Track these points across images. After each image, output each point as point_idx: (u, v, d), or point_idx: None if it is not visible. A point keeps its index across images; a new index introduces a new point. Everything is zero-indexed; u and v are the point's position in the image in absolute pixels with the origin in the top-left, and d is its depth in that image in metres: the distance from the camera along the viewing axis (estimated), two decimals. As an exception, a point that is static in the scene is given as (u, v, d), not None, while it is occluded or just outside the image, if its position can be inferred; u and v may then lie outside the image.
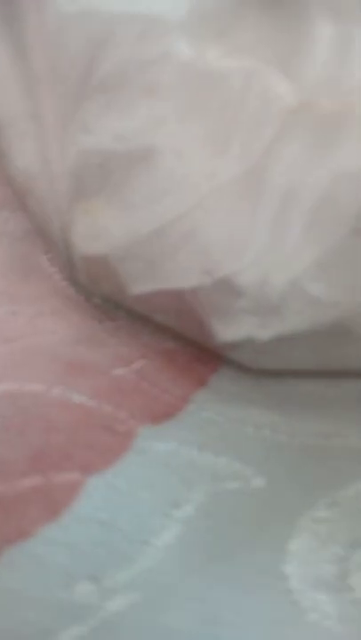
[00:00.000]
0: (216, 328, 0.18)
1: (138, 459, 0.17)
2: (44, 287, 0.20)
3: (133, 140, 0.18)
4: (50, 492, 0.16)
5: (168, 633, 0.14)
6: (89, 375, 0.18)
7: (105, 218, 0.19)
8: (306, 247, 0.17)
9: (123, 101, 0.18)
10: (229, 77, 0.16)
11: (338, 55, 0.16)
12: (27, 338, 0.19)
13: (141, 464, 0.17)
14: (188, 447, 0.17)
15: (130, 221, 0.19)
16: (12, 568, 0.15)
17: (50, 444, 0.16)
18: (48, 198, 0.20)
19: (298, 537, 0.16)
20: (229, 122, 0.17)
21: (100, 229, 0.19)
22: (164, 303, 0.19)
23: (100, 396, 0.18)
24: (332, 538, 0.16)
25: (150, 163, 0.18)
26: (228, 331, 0.18)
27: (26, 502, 0.16)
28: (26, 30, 0.18)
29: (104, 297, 0.21)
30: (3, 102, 0.20)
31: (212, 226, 0.18)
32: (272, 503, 0.17)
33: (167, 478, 0.17)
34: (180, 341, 0.19)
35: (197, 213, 0.18)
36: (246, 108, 0.16)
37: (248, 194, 0.17)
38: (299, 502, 0.17)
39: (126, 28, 0.17)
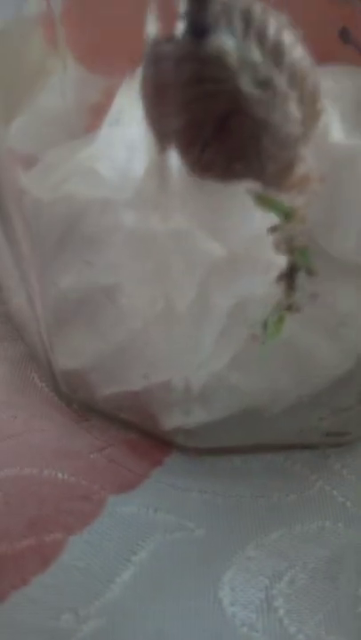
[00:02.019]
0: (161, 419, 0.22)
1: (107, 520, 0.21)
2: (36, 397, 0.24)
3: (97, 281, 0.21)
4: (42, 550, 0.20)
5: None
6: (70, 459, 0.22)
7: (78, 341, 0.22)
8: (223, 349, 0.20)
9: (90, 254, 0.21)
10: (166, 237, 0.19)
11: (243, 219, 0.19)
12: (24, 435, 0.22)
13: (109, 524, 0.20)
14: (145, 509, 0.21)
15: (97, 343, 0.22)
16: (15, 607, 0.19)
17: (42, 513, 0.20)
18: (34, 330, 0.23)
19: (231, 571, 0.20)
20: (166, 268, 0.19)
21: (75, 350, 0.22)
22: (125, 402, 0.22)
23: (79, 474, 0.21)
24: (260, 571, 0.20)
25: (110, 297, 0.21)
26: (167, 420, 0.22)
27: (25, 558, 0.20)
28: (8, 213, 0.21)
29: (80, 402, 0.24)
30: (1, 259, 0.24)
31: (153, 342, 0.21)
32: (210, 547, 0.20)
33: (128, 533, 0.20)
34: (140, 433, 0.23)
35: (143, 334, 0.21)
36: (179, 258, 0.19)
37: (179, 317, 0.20)
38: (232, 546, 0.20)
39: (92, 207, 0.20)
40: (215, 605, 0.19)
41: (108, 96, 0.20)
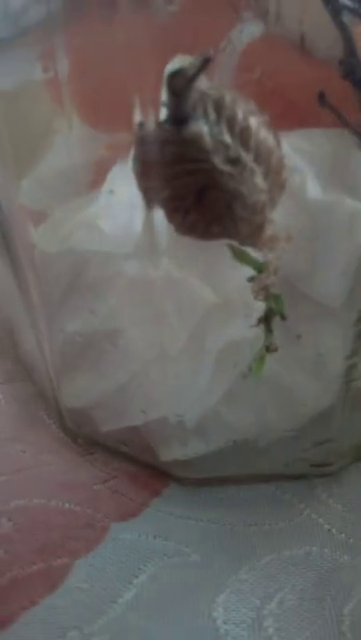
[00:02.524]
0: (159, 451, 0.23)
1: (110, 545, 0.22)
2: (44, 433, 0.25)
3: (100, 326, 0.22)
4: (50, 574, 0.21)
5: None
6: (76, 490, 0.23)
7: (82, 381, 0.23)
8: (215, 387, 0.22)
9: (93, 301, 0.22)
10: (164, 286, 0.21)
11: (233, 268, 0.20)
12: (32, 469, 0.24)
13: (112, 549, 0.22)
14: (145, 536, 0.22)
15: (99, 383, 0.23)
16: (25, 626, 0.20)
17: (50, 540, 0.22)
18: (43, 371, 0.24)
19: (225, 593, 0.21)
20: (164, 314, 0.21)
21: (80, 390, 0.24)
22: (126, 436, 0.24)
23: (84, 504, 0.23)
24: (252, 593, 0.21)
25: (112, 341, 0.22)
26: (165, 453, 0.23)
27: (34, 581, 0.21)
28: (21, 264, 0.23)
29: (85, 437, 0.25)
30: (10, 307, 0.25)
31: (150, 381, 0.22)
32: (205, 571, 0.22)
33: (130, 557, 0.22)
34: (140, 465, 0.24)
35: (143, 375, 0.22)
36: (176, 304, 0.21)
37: (174, 359, 0.21)
38: (226, 569, 0.22)
39: (95, 259, 0.22)
40: (210, 624, 0.20)
41: (112, 152, 0.22)
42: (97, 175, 0.22)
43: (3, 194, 0.22)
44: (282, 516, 0.23)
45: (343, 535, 0.23)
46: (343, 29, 0.19)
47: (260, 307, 0.20)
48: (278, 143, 0.18)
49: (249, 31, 0.21)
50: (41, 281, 0.23)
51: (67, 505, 0.23)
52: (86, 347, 0.23)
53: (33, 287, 0.23)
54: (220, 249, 0.20)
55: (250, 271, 0.20)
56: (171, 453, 0.23)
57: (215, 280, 0.21)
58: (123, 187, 0.21)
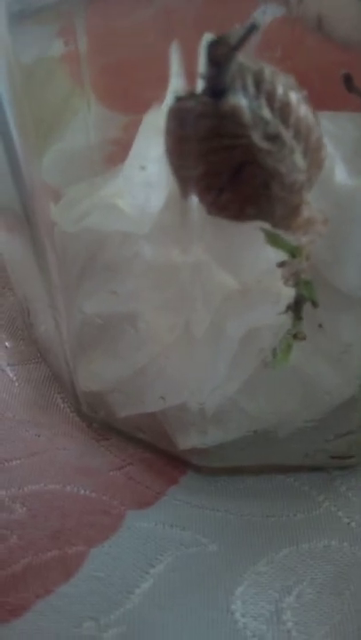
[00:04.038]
0: (177, 439, 0.23)
1: (126, 534, 0.21)
2: (59, 416, 0.25)
3: (120, 308, 0.22)
4: (65, 561, 0.21)
5: None
6: (91, 476, 0.23)
7: (99, 364, 0.23)
8: (235, 374, 0.21)
9: (112, 282, 0.22)
10: (182, 268, 0.20)
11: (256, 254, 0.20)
12: (47, 452, 0.23)
13: (128, 537, 0.21)
14: (162, 525, 0.22)
15: (117, 366, 0.23)
16: (41, 615, 0.20)
17: (65, 526, 0.21)
18: (60, 353, 0.24)
19: (242, 585, 0.21)
20: (183, 297, 0.21)
21: (96, 373, 0.23)
22: (143, 422, 0.23)
23: (100, 490, 0.23)
24: (270, 585, 0.21)
25: (131, 323, 0.22)
26: (183, 440, 0.23)
27: (49, 569, 0.20)
28: (42, 242, 0.22)
29: (100, 422, 0.25)
30: (29, 287, 0.25)
31: (170, 366, 0.22)
32: (223, 562, 0.21)
33: (146, 546, 0.21)
34: (157, 454, 0.24)
35: (162, 359, 0.22)
36: (195, 288, 0.20)
37: (195, 344, 0.21)
38: (244, 561, 0.21)
39: (112, 239, 0.21)
40: (228, 616, 0.20)
41: (127, 133, 0.22)
42: (112, 156, 0.22)
43: (26, 169, 0.21)
44: (300, 507, 0.23)
45: (363, 529, 0.22)
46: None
47: (286, 293, 0.20)
48: (317, 121, 0.17)
49: (272, 12, 0.20)
50: (60, 260, 0.22)
51: (82, 491, 0.22)
52: (104, 329, 0.23)
53: (53, 266, 0.23)
54: (243, 233, 0.19)
55: (274, 257, 0.19)
56: (189, 441, 0.23)
57: (238, 266, 0.20)
58: (148, 159, 0.21)
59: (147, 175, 0.21)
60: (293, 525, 0.22)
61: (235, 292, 0.20)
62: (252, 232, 0.19)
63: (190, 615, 0.20)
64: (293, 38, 0.20)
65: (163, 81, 0.20)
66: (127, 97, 0.22)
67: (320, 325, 0.21)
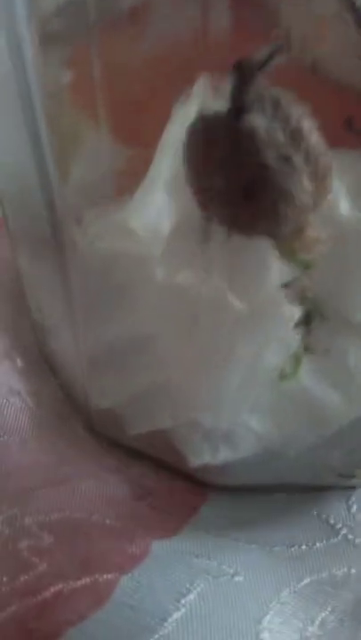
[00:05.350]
0: (187, 456, 0.23)
1: (154, 562, 0.22)
2: (78, 444, 0.25)
3: (132, 328, 0.22)
4: (96, 588, 0.21)
5: None
6: (115, 506, 0.23)
7: (111, 382, 0.24)
8: (244, 394, 0.22)
9: (125, 303, 0.22)
10: (193, 290, 0.21)
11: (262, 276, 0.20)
12: (70, 481, 0.23)
13: (156, 566, 0.22)
14: (188, 555, 0.22)
15: (129, 385, 0.23)
16: None
17: (94, 553, 0.21)
18: (76, 371, 0.24)
19: (269, 614, 0.21)
20: (193, 319, 0.21)
21: (108, 391, 0.24)
22: (153, 440, 0.24)
23: (124, 520, 0.23)
24: (294, 615, 0.21)
25: (143, 343, 0.22)
26: (194, 458, 0.23)
27: (79, 596, 0.20)
28: (67, 263, 0.22)
29: (112, 439, 0.25)
30: (50, 306, 0.25)
31: (181, 387, 0.22)
32: (249, 592, 0.22)
33: (175, 576, 0.21)
34: (175, 481, 0.24)
35: (172, 379, 0.22)
36: (205, 310, 0.21)
37: (205, 365, 0.22)
38: (269, 591, 0.22)
39: (124, 261, 0.22)
40: None
41: (131, 165, 0.22)
42: (119, 186, 0.22)
43: (57, 190, 0.21)
44: (319, 536, 0.23)
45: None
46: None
47: (290, 315, 0.21)
48: (327, 149, 0.19)
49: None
50: (82, 281, 0.23)
51: (107, 520, 0.23)
52: (117, 348, 0.23)
53: (76, 287, 0.23)
54: (251, 256, 0.20)
55: (278, 279, 0.20)
56: (199, 459, 0.23)
57: (244, 287, 0.21)
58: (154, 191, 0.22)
59: (159, 199, 0.21)
60: (313, 554, 0.23)
61: (243, 313, 0.21)
62: (261, 254, 0.20)
63: (223, 642, 0.20)
64: (294, 80, 0.21)
65: (167, 115, 0.21)
66: (132, 129, 0.22)
67: (327, 351, 0.22)
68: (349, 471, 0.25)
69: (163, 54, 0.21)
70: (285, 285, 0.21)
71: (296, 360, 0.22)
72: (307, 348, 0.22)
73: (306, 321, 0.21)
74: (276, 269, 0.20)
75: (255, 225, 0.19)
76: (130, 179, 0.22)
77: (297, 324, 0.21)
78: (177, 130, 0.21)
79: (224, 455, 0.23)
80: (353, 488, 0.25)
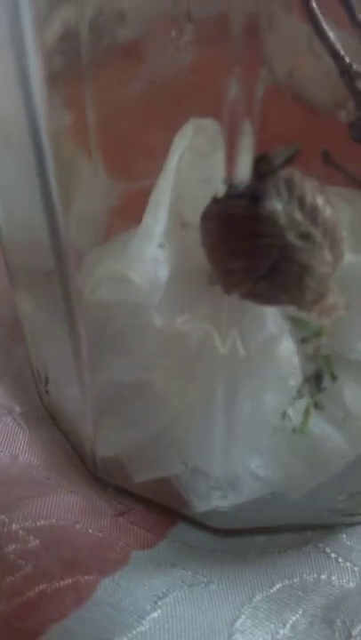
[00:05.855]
0: (194, 503, 0.24)
1: (133, 569, 0.23)
2: (66, 462, 0.27)
3: (132, 375, 0.23)
4: (78, 589, 0.22)
5: None
6: (97, 518, 0.24)
7: (115, 430, 0.24)
8: (246, 439, 0.22)
9: (124, 350, 0.23)
10: (189, 336, 0.21)
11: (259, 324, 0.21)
12: (57, 494, 0.25)
13: (135, 572, 0.23)
14: (164, 565, 0.23)
15: (132, 433, 0.23)
16: (55, 639, 0.21)
17: (76, 558, 0.22)
18: (82, 421, 0.25)
19: (242, 619, 0.22)
20: (190, 364, 0.21)
21: (112, 440, 0.24)
22: (158, 486, 0.24)
23: (106, 531, 0.24)
24: (266, 618, 0.22)
25: (144, 390, 0.23)
26: (199, 504, 0.24)
27: (63, 596, 0.22)
28: (73, 308, 0.22)
29: (116, 486, 0.26)
30: (53, 353, 0.26)
31: (185, 433, 0.22)
32: (223, 598, 0.23)
33: (152, 582, 0.22)
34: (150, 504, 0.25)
35: (175, 425, 0.23)
36: (202, 355, 0.21)
37: (211, 419, 0.22)
38: (242, 596, 0.23)
39: (123, 309, 0.22)
40: None
41: (124, 201, 0.23)
42: (112, 223, 0.23)
43: (64, 230, 0.22)
44: (290, 544, 0.25)
45: (349, 564, 0.24)
46: (357, 95, 0.20)
47: (286, 361, 0.21)
48: (338, 218, 0.19)
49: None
50: (87, 327, 0.23)
51: (90, 530, 0.24)
52: (118, 395, 0.24)
53: (82, 332, 0.23)
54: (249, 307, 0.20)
55: (274, 327, 0.21)
56: (204, 505, 0.24)
57: (243, 334, 0.21)
58: (150, 241, 0.22)
59: (156, 250, 0.22)
60: (285, 561, 0.24)
61: (243, 360, 0.21)
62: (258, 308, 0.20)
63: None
64: (282, 110, 0.22)
65: (160, 151, 0.21)
66: (125, 165, 0.23)
67: (324, 389, 0.22)
68: (355, 510, 0.25)
69: (155, 92, 0.22)
70: (303, 340, 0.21)
71: (306, 414, 0.22)
72: (317, 405, 0.22)
73: (316, 379, 0.22)
74: (273, 314, 0.21)
75: (279, 297, 0.19)
76: (123, 214, 0.23)
77: (307, 381, 0.22)
78: (169, 179, 0.22)
79: (228, 501, 0.24)
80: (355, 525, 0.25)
